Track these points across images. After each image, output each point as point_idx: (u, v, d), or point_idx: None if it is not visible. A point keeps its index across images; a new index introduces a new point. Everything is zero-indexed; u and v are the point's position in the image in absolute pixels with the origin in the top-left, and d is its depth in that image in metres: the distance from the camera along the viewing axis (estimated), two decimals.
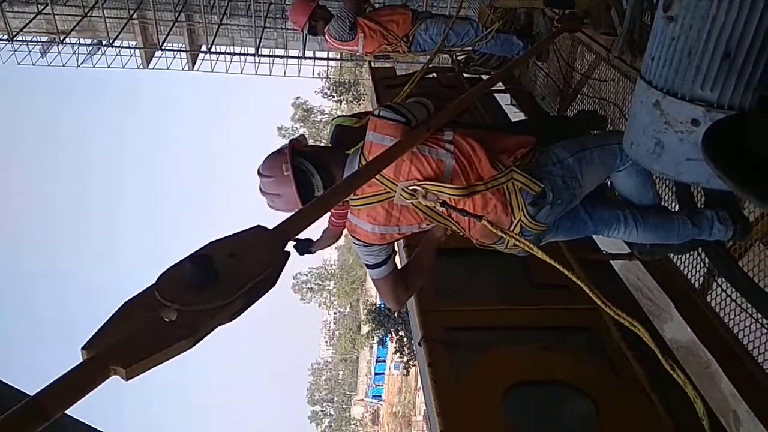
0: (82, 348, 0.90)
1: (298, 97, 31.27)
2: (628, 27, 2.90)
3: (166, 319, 0.98)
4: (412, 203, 2.06)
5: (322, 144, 2.72)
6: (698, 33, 1.69)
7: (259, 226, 1.26)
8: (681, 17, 1.74)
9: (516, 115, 4.97)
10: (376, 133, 2.02)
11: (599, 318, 2.54)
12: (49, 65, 13.72)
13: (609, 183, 2.54)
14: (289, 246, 1.33)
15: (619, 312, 1.84)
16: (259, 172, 2.04)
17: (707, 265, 2.65)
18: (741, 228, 2.31)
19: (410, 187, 2.02)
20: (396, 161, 1.97)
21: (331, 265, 39.51)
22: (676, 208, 2.77)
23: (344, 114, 3.38)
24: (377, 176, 1.98)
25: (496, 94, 4.88)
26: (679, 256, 2.83)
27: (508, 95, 5.05)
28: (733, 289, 2.51)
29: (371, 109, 3.59)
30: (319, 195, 2.02)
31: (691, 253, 2.71)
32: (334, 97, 28.93)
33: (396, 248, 2.30)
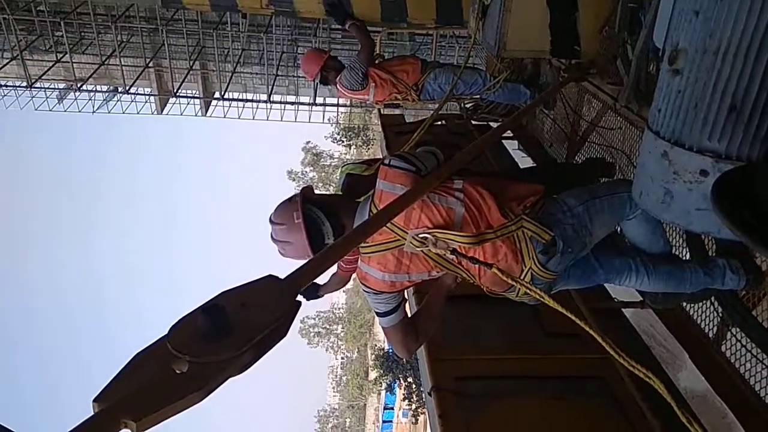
0: (94, 400, 0.90)
1: (308, 142, 31.71)
2: (634, 77, 2.95)
3: (178, 371, 0.98)
4: (422, 251, 2.07)
5: (332, 191, 2.75)
6: (704, 86, 1.72)
7: (270, 275, 1.27)
8: (687, 70, 1.77)
9: (524, 160, 5.02)
10: (387, 181, 2.04)
11: (612, 368, 2.49)
12: (65, 111, 14.08)
13: (619, 230, 2.54)
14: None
15: (633, 363, 1.82)
16: (270, 220, 2.06)
17: (721, 315, 2.61)
18: (754, 277, 2.29)
19: (420, 235, 2.03)
20: (406, 209, 1.98)
21: (339, 308, 39.23)
22: (688, 257, 2.75)
23: (354, 161, 3.43)
24: (387, 224, 1.99)
25: (504, 141, 4.93)
26: (692, 305, 2.80)
27: (516, 142, 5.10)
28: (748, 339, 2.47)
29: (380, 156, 3.62)
30: (329, 243, 2.03)
31: (704, 302, 2.68)
32: (343, 141, 29.30)
33: (406, 295, 2.30)
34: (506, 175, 3.52)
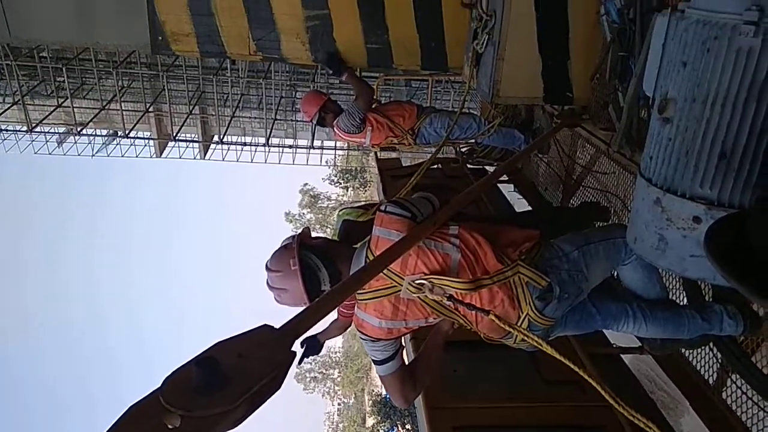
0: None
1: (305, 184, 31.92)
2: (626, 123, 2.99)
3: (170, 426, 0.97)
4: (419, 297, 2.06)
5: (329, 235, 2.76)
6: (694, 134, 1.76)
7: (265, 325, 1.27)
8: (676, 119, 1.81)
9: (520, 202, 5.05)
10: (383, 227, 2.05)
11: (613, 416, 2.45)
12: (64, 154, 14.20)
13: (615, 275, 2.54)
14: (296, 344, 1.32)
15: (632, 412, 1.79)
16: (267, 267, 2.06)
17: (720, 361, 2.59)
18: (751, 323, 2.29)
19: (417, 281, 2.03)
20: (403, 255, 1.99)
21: (336, 352, 38.69)
22: (685, 302, 2.75)
23: (350, 205, 3.45)
24: (384, 270, 1.99)
25: (500, 184, 4.97)
26: (692, 350, 2.78)
27: (512, 185, 5.14)
28: (748, 386, 2.44)
29: (377, 200, 3.63)
30: (325, 289, 2.03)
31: (703, 348, 2.66)
32: (341, 183, 29.52)
33: (403, 342, 2.28)
34: (502, 220, 3.54)
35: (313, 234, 2.32)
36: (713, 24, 1.66)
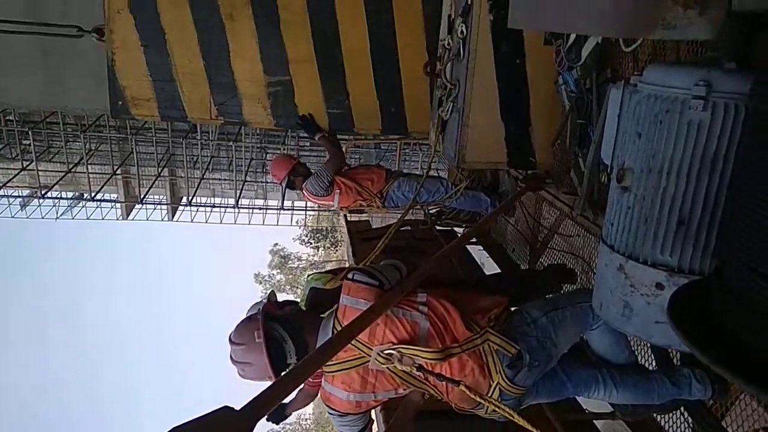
0: None
1: (276, 244, 31.67)
2: (588, 188, 3.07)
3: None
4: (388, 368, 2.02)
5: (299, 297, 2.72)
6: (651, 203, 1.80)
7: (226, 407, 1.22)
8: (634, 188, 1.86)
9: (488, 261, 5.08)
10: (350, 296, 2.03)
11: None
12: (27, 218, 13.88)
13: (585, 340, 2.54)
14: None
15: None
16: (230, 340, 2.00)
17: (691, 425, 2.57)
18: (719, 387, 2.29)
19: (385, 351, 2.00)
20: (370, 325, 1.96)
21: (306, 419, 37.41)
22: (654, 366, 2.75)
23: (318, 271, 3.42)
24: (352, 341, 1.96)
25: (469, 246, 5.01)
26: (663, 415, 2.76)
27: (481, 246, 5.18)
28: None
29: (347, 261, 3.57)
30: (291, 363, 1.98)
31: (674, 412, 2.65)
32: (311, 243, 29.36)
33: (373, 416, 2.21)
34: (472, 283, 3.55)
35: (280, 298, 2.29)
36: (664, 98, 1.73)
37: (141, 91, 4.48)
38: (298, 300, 2.53)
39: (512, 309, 2.29)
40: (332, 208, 5.09)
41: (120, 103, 4.50)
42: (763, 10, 1.27)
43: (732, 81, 1.63)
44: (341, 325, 1.98)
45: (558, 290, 3.47)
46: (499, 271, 4.44)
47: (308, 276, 3.49)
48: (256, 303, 2.24)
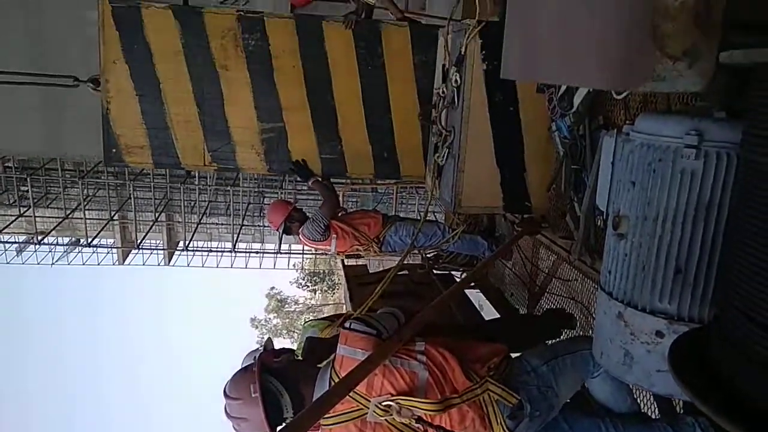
0: None
1: (272, 288, 31.43)
2: (584, 232, 3.08)
3: None
4: (386, 420, 1.98)
5: (296, 342, 2.68)
6: (648, 250, 1.81)
7: None
8: (630, 235, 1.87)
9: (487, 305, 5.04)
10: (348, 346, 2.01)
11: None
12: (23, 263, 13.82)
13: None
14: None
15: None
16: (225, 393, 1.97)
17: None
18: None
19: (384, 403, 1.96)
20: (368, 376, 1.93)
21: None
22: (657, 414, 2.70)
23: (315, 318, 3.38)
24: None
25: (467, 290, 4.98)
26: None
27: (479, 290, 5.15)
28: None
29: (344, 307, 3.54)
30: (288, 417, 1.94)
31: None
32: (308, 287, 29.17)
33: None
34: (470, 329, 3.52)
35: (277, 344, 2.26)
36: (656, 147, 1.76)
37: (135, 138, 4.54)
38: (295, 347, 2.50)
39: (512, 357, 2.27)
40: (329, 253, 5.07)
41: (114, 150, 4.55)
42: (752, 63, 1.30)
43: (723, 130, 1.66)
44: (338, 376, 1.95)
45: (557, 336, 3.43)
46: (497, 316, 4.40)
47: (305, 323, 3.45)
48: (252, 351, 2.21)
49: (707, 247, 1.74)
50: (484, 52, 3.42)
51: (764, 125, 1.29)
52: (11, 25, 7.13)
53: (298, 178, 5.10)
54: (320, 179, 4.78)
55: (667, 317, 1.79)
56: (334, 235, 4.81)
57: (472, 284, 4.89)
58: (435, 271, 5.19)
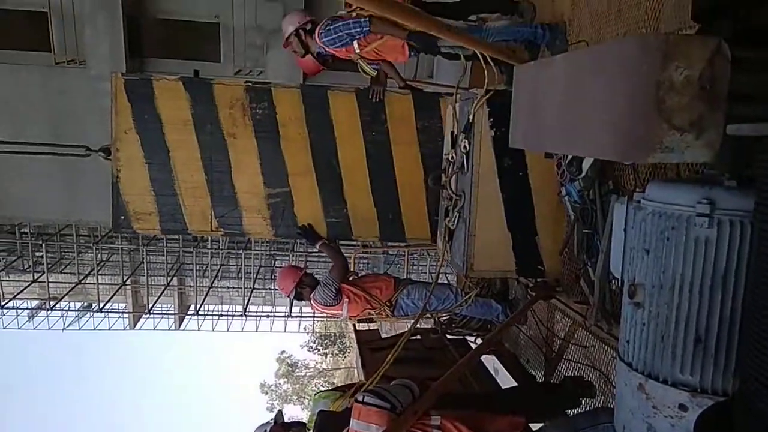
0: None
1: (282, 352, 30.97)
2: (600, 297, 3.03)
3: None
4: None
5: (305, 409, 2.61)
6: (666, 319, 1.77)
7: None
8: (647, 304, 1.84)
9: (501, 368, 4.92)
10: (361, 421, 1.96)
11: None
12: (34, 329, 13.77)
13: None
14: None
15: None
16: None
17: None
18: None
19: None
20: None
21: None
22: None
23: (327, 389, 3.32)
24: None
25: (482, 357, 4.87)
26: None
27: (494, 357, 5.05)
28: None
29: (355, 379, 3.47)
30: None
31: None
32: (319, 350, 28.73)
33: None
34: (487, 398, 3.42)
35: (287, 411, 2.20)
36: (669, 215, 1.75)
37: (143, 205, 4.63)
38: (305, 415, 2.44)
39: (531, 429, 2.19)
40: (341, 318, 5.01)
41: (122, 217, 4.64)
42: (759, 134, 1.32)
43: (734, 199, 1.65)
44: None
45: (577, 406, 3.33)
46: (514, 383, 4.28)
47: (315, 394, 3.38)
48: (263, 425, 2.16)
49: (726, 316, 1.70)
50: (491, 119, 3.49)
51: None
52: (35, 100, 7.43)
53: (305, 241, 5.14)
54: (327, 242, 4.79)
55: (689, 389, 1.73)
56: (346, 300, 4.76)
57: (488, 350, 4.80)
58: (448, 336, 5.10)
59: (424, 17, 2.92)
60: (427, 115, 4.64)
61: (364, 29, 3.88)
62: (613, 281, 3.06)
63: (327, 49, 4.14)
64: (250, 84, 4.59)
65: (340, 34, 3.95)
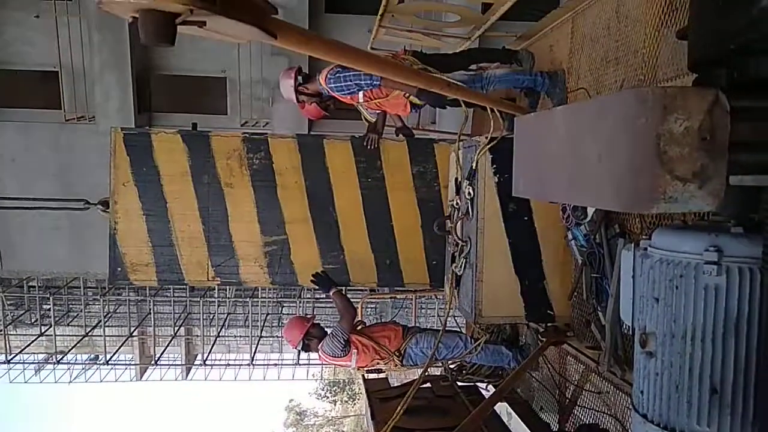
0: None
1: (291, 400, 30.42)
2: (611, 343, 2.99)
3: None
4: None
5: None
6: (680, 369, 1.74)
7: None
8: (660, 353, 1.81)
9: (513, 417, 4.80)
10: None
11: None
12: (41, 382, 13.63)
13: None
14: None
15: None
16: None
17: None
18: None
19: None
20: None
21: None
22: None
23: None
24: None
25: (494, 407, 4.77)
26: None
27: (506, 404, 4.94)
28: None
29: (364, 414, 3.36)
30: None
31: None
32: (328, 398, 28.22)
33: None
34: None
35: None
36: (677, 263, 1.75)
37: (140, 256, 4.66)
38: None
39: None
40: (349, 368, 4.95)
41: (119, 269, 4.66)
42: (762, 185, 1.32)
43: (742, 245, 1.65)
44: None
45: None
46: (528, 431, 4.18)
47: None
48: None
49: (741, 364, 1.67)
50: (495, 166, 3.52)
51: None
52: (45, 156, 7.58)
53: (317, 288, 5.12)
54: (341, 290, 4.78)
55: None
56: (355, 350, 4.70)
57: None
58: (458, 384, 5.01)
59: (427, 77, 2.99)
60: (422, 161, 4.73)
61: (375, 83, 3.95)
62: (625, 325, 3.03)
63: (331, 93, 4.20)
64: (247, 135, 4.69)
65: (349, 83, 4.02)
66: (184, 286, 12.18)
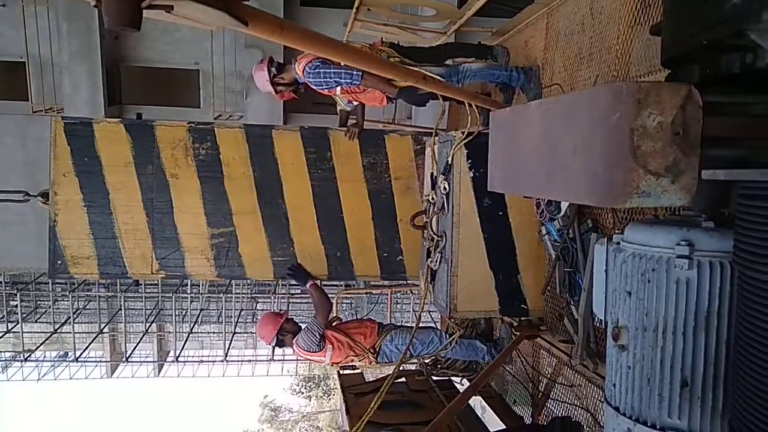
0: None
1: (266, 396, 30.25)
2: (584, 336, 3.02)
3: None
4: None
5: None
6: (651, 362, 1.76)
7: None
8: (632, 347, 1.83)
9: (488, 411, 4.83)
10: None
11: None
12: (8, 380, 13.31)
13: None
14: None
15: None
16: None
17: None
18: None
19: None
20: None
21: None
22: None
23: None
24: None
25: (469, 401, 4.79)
26: None
27: (481, 398, 4.97)
28: None
29: (340, 409, 3.36)
30: None
31: None
32: (303, 393, 28.12)
33: None
34: None
35: None
36: (649, 257, 1.76)
37: (81, 249, 4.53)
38: None
39: None
40: (324, 364, 4.92)
41: (59, 262, 4.52)
42: (733, 179, 1.33)
43: (713, 240, 1.67)
44: None
45: None
46: (501, 424, 4.21)
47: None
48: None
49: (712, 357, 1.70)
50: (470, 160, 3.52)
51: (751, 240, 1.29)
52: (11, 148, 7.38)
53: (294, 282, 5.06)
54: (318, 283, 4.73)
55: None
56: (329, 346, 4.68)
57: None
58: (433, 378, 5.02)
59: (403, 69, 2.96)
60: (373, 152, 4.69)
61: (355, 82, 3.90)
62: (597, 319, 3.06)
63: (308, 84, 4.13)
64: (192, 125, 4.58)
65: (328, 80, 3.96)
66: (156, 282, 12.01)
